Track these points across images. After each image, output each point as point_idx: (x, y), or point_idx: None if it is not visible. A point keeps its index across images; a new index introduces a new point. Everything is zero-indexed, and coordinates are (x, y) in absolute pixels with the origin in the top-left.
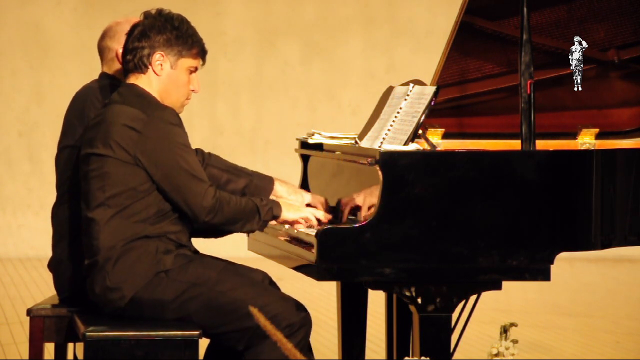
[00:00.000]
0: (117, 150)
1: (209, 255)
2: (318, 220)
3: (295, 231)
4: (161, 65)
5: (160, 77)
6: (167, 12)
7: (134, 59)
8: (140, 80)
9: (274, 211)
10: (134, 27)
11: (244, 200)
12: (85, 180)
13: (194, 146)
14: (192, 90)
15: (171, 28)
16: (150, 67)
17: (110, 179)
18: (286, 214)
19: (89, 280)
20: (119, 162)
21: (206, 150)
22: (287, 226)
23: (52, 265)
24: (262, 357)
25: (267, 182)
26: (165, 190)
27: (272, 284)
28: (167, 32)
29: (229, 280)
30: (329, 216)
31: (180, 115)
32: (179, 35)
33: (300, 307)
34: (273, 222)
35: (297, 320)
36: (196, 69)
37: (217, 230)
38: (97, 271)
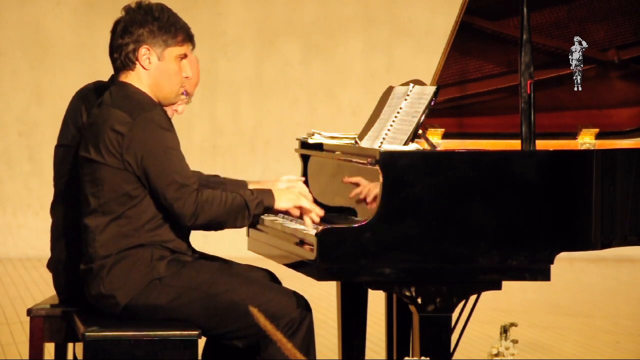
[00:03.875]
0: (106, 156)
1: (204, 258)
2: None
3: (286, 219)
4: (148, 59)
5: (149, 71)
6: (146, 3)
7: (121, 56)
8: (130, 77)
9: (265, 202)
10: (116, 24)
11: (231, 197)
12: (81, 183)
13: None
14: (186, 77)
15: (152, 19)
16: (137, 62)
17: (102, 185)
18: (279, 204)
19: (85, 285)
20: (110, 169)
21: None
22: (287, 221)
23: (51, 265)
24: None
25: (239, 187)
26: (151, 193)
27: (274, 280)
28: (149, 25)
29: (224, 281)
30: (321, 212)
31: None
32: (161, 25)
33: (299, 300)
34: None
35: (297, 316)
36: (185, 55)
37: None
38: (92, 277)
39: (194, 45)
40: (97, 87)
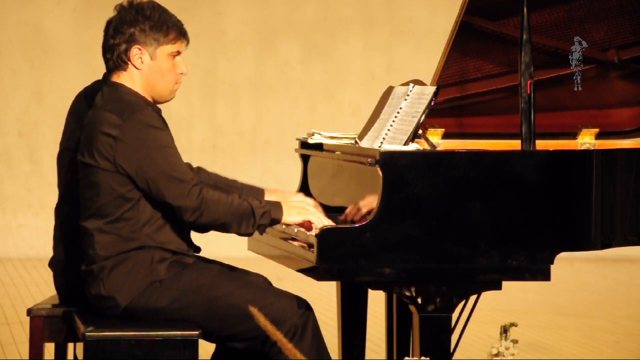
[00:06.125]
0: (99, 160)
1: (204, 261)
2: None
3: (295, 230)
4: (140, 58)
5: (142, 71)
6: (137, 2)
7: (113, 57)
8: (122, 77)
9: (272, 214)
10: (108, 23)
11: (238, 202)
12: (80, 186)
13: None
14: (181, 73)
15: (143, 19)
16: (129, 62)
17: (97, 188)
18: (287, 218)
19: (86, 286)
20: (104, 172)
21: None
22: (296, 229)
23: (53, 264)
24: None
25: (257, 194)
26: (149, 194)
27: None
28: (140, 24)
29: (224, 285)
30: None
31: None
32: (153, 24)
33: (299, 303)
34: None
35: (298, 320)
36: (179, 52)
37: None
38: (93, 279)
39: (187, 42)
40: (97, 88)
